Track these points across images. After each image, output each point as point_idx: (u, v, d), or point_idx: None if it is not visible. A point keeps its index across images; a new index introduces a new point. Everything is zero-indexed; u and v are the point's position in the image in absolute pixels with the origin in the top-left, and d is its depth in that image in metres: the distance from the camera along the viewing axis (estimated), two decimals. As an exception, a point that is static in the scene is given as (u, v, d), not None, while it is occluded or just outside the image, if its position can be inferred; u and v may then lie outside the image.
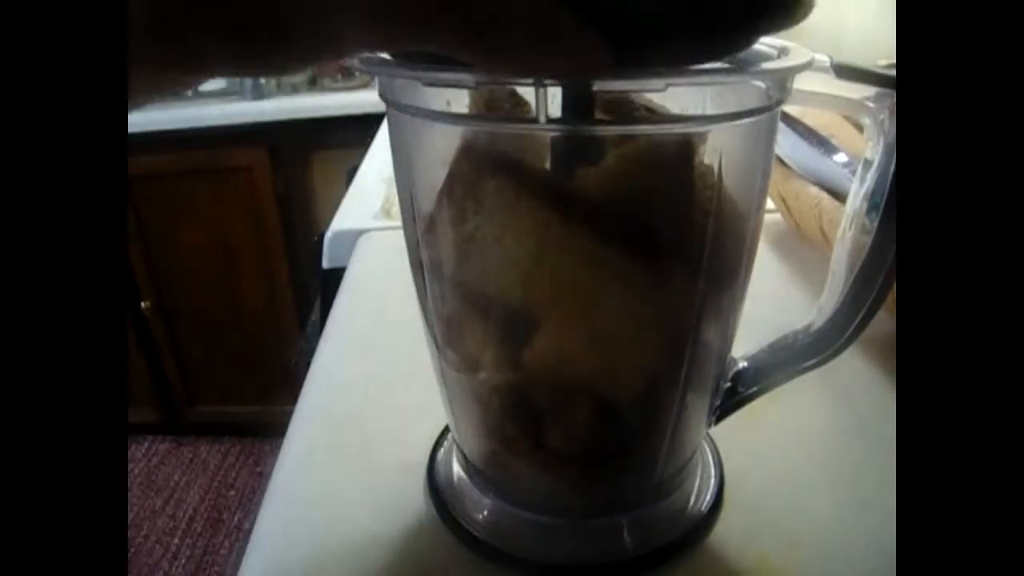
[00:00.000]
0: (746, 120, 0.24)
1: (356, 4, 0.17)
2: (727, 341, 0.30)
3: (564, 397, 0.28)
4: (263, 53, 0.18)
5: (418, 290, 0.30)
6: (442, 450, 0.37)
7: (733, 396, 0.31)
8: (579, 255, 0.25)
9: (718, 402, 0.31)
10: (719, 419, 0.32)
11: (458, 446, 0.33)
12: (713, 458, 0.35)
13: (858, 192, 0.27)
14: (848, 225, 0.28)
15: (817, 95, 0.25)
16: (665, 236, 0.25)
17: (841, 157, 0.49)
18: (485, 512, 0.32)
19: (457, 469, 0.34)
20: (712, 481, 0.34)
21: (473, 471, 0.33)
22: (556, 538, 0.32)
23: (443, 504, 0.33)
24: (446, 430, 0.38)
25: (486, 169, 0.25)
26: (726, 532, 0.32)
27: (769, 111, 0.24)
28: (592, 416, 0.28)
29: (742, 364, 0.31)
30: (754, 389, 0.31)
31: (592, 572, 0.30)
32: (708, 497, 0.33)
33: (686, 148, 0.24)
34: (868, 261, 0.27)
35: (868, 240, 0.27)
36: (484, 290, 0.27)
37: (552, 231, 0.24)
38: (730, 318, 0.29)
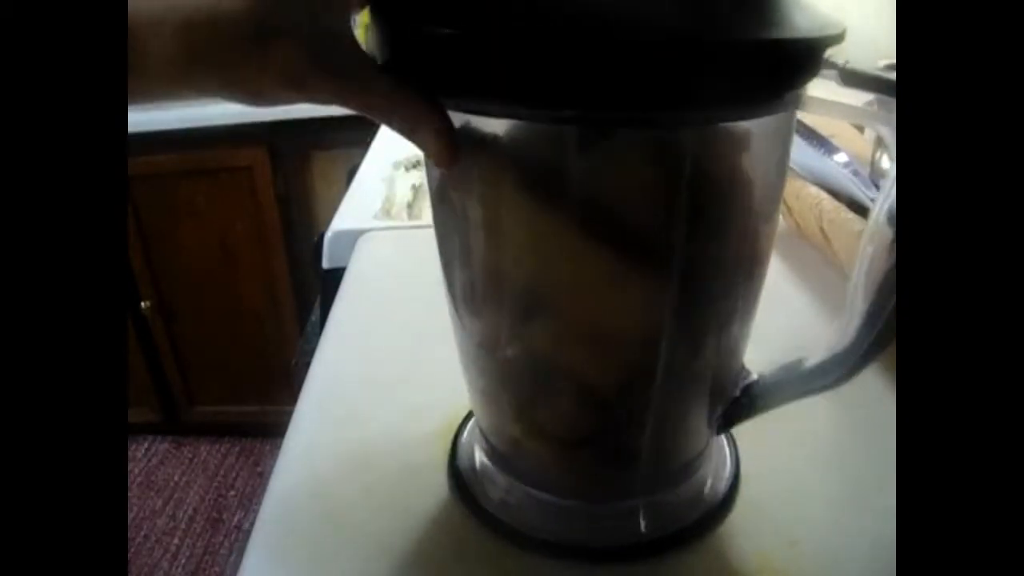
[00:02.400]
0: (747, 121, 0.24)
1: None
2: (731, 348, 0.29)
3: (553, 381, 0.29)
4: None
5: (443, 265, 0.30)
6: (465, 432, 0.37)
7: (741, 406, 0.31)
8: (568, 249, 0.25)
9: (724, 408, 0.31)
10: (727, 425, 0.32)
11: (480, 429, 0.34)
12: (731, 456, 0.35)
13: (881, 207, 0.25)
14: (868, 241, 0.26)
15: (833, 104, 0.24)
16: (656, 235, 0.25)
17: (841, 157, 0.49)
18: (503, 493, 0.33)
19: (479, 453, 0.35)
20: (723, 482, 0.34)
21: (493, 452, 0.33)
22: (571, 520, 0.32)
23: (465, 487, 0.34)
24: (470, 414, 0.38)
25: (481, 159, 0.25)
26: (727, 533, 0.32)
27: (772, 113, 0.24)
28: (575, 402, 0.29)
29: (753, 377, 0.31)
30: (762, 403, 0.31)
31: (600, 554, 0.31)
32: (718, 497, 0.33)
33: (685, 149, 0.24)
34: (887, 280, 0.25)
35: (890, 259, 0.25)
36: (487, 267, 0.28)
37: (542, 228, 0.25)
38: (733, 326, 0.28)
